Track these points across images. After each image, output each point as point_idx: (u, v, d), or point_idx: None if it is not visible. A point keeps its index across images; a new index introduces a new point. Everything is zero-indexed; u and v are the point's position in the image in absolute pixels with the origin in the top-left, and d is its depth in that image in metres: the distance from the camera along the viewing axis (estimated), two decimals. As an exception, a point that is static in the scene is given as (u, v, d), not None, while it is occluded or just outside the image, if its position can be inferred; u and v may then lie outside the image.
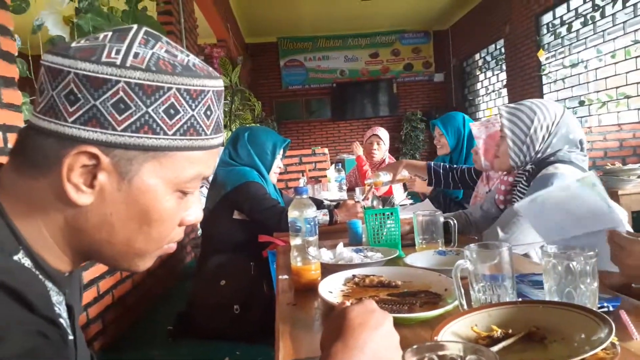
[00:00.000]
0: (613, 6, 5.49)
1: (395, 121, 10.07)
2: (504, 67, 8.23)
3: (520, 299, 0.90)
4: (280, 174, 2.71)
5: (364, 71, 10.27)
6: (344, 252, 1.46)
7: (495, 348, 0.71)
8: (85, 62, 0.55)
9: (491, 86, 8.93)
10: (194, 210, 0.66)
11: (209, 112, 0.61)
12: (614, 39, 5.62)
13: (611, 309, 0.87)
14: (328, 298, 1.06)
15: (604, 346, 0.63)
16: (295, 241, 1.25)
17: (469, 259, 0.92)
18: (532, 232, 1.47)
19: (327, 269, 1.29)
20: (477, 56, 9.40)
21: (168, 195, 0.60)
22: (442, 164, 2.42)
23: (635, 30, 5.26)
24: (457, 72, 10.16)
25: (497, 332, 0.76)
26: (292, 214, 1.25)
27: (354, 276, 1.22)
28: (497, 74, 8.65)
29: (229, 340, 2.12)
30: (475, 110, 9.63)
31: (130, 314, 2.71)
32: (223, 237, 2.31)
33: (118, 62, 0.55)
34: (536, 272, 1.14)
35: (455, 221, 1.50)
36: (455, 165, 2.42)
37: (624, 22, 5.42)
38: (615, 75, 5.62)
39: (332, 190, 3.13)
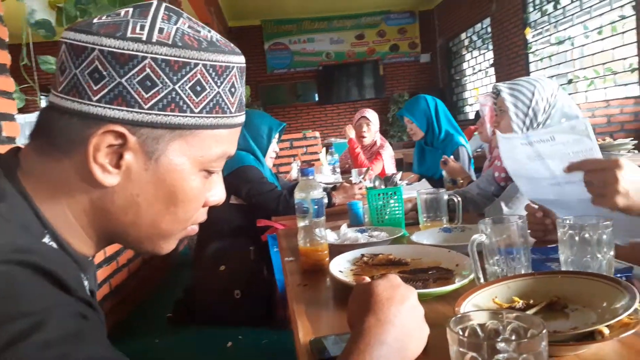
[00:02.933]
0: (599, -18, 5.50)
1: (382, 103, 10.04)
2: (490, 46, 8.22)
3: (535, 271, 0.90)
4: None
5: (350, 53, 10.20)
6: (348, 232, 1.46)
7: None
8: (110, 38, 0.53)
9: (478, 65, 8.93)
10: (218, 191, 0.65)
11: (233, 89, 0.60)
12: (600, 14, 5.64)
13: (624, 279, 0.87)
14: (339, 277, 1.06)
15: (630, 312, 0.63)
16: (303, 223, 1.24)
17: (484, 232, 0.92)
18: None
19: (334, 250, 1.29)
20: (463, 35, 9.38)
21: (194, 175, 0.59)
22: None
23: (622, 6, 5.28)
24: (443, 52, 10.14)
25: (519, 303, 0.76)
26: (299, 195, 1.24)
27: (362, 255, 1.22)
28: (484, 53, 8.65)
29: (230, 325, 2.12)
30: (462, 90, 9.65)
31: (128, 303, 2.69)
32: (221, 223, 2.29)
33: (144, 37, 0.53)
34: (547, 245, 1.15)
35: (459, 198, 1.50)
36: (439, 159, 2.47)
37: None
38: (602, 51, 5.65)
39: (325, 173, 3.12)
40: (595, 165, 0.88)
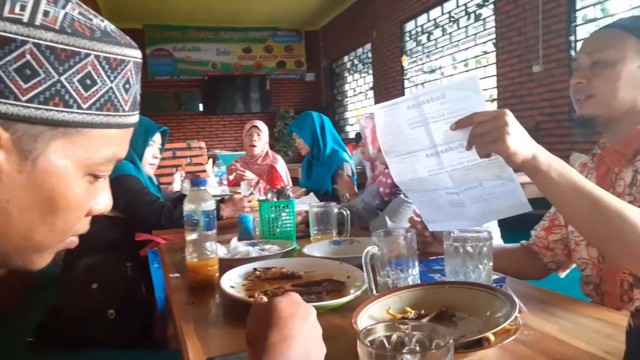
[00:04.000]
0: (467, 19, 6.12)
1: (268, 118, 10.08)
2: (370, 70, 8.71)
3: (426, 281, 0.95)
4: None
5: (237, 65, 10.13)
6: (239, 246, 1.41)
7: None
8: None
9: (359, 88, 9.40)
10: (104, 198, 0.58)
11: (127, 86, 0.54)
12: (466, 48, 6.26)
13: (499, 286, 0.95)
14: (232, 293, 1.02)
15: (511, 319, 0.68)
16: (192, 236, 1.17)
17: (376, 244, 0.94)
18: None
19: (224, 265, 1.24)
20: (346, 58, 9.83)
21: (78, 180, 0.52)
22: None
23: (484, 42, 5.92)
24: (327, 73, 10.52)
25: (411, 314, 0.78)
26: (189, 206, 1.17)
27: (255, 269, 1.19)
28: (364, 77, 9.15)
29: (103, 347, 1.94)
30: (344, 111, 10.07)
31: (-24, 329, 2.34)
32: (93, 236, 2.06)
33: (25, 19, 0.46)
34: (429, 257, 1.21)
35: (348, 212, 1.54)
36: (325, 174, 2.54)
37: (474, 34, 6.07)
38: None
39: (212, 185, 3.03)
40: (484, 116, 0.89)
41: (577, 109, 1.12)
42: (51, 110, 0.47)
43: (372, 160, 2.32)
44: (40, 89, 0.47)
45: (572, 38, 4.88)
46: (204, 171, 3.88)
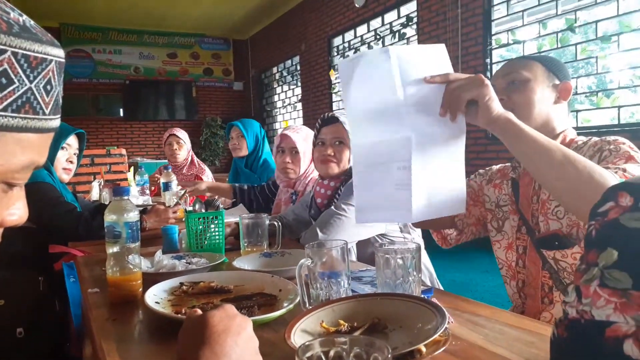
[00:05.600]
0: (392, 38, 6.35)
1: (194, 126, 9.84)
2: (299, 82, 8.78)
3: (357, 293, 0.96)
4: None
5: (161, 70, 9.81)
6: (163, 259, 1.35)
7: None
8: None
9: (287, 99, 9.44)
10: (19, 208, 0.53)
11: (49, 87, 0.50)
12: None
13: (427, 297, 0.98)
14: (157, 309, 0.97)
15: (441, 331, 0.70)
16: (113, 249, 1.11)
17: (309, 257, 0.94)
18: (348, 230, 1.59)
19: (148, 279, 1.18)
20: (274, 69, 9.84)
21: None
22: (245, 185, 2.44)
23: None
24: (255, 83, 10.47)
25: (344, 326, 0.79)
26: (110, 217, 1.11)
27: (181, 284, 1.14)
28: (293, 89, 9.20)
29: (8, 370, 1.76)
30: (273, 122, 10.06)
31: None
32: (1, 248, 1.92)
33: None
34: (359, 268, 1.23)
35: (280, 223, 1.52)
36: (254, 184, 2.49)
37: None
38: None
39: (134, 194, 2.88)
40: (460, 76, 0.91)
41: None
42: None
43: (296, 177, 2.23)
44: None
45: (487, 60, 5.22)
46: (125, 179, 3.69)
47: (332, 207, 1.64)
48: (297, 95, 9.00)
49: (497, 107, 0.93)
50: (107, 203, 2.47)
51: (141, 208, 2.22)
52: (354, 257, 1.66)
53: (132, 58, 9.52)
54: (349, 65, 0.95)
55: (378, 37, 6.66)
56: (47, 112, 0.50)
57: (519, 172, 1.27)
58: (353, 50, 7.21)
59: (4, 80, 0.45)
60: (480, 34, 5.25)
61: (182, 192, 2.16)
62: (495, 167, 1.38)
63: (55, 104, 0.52)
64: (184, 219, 2.16)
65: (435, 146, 0.94)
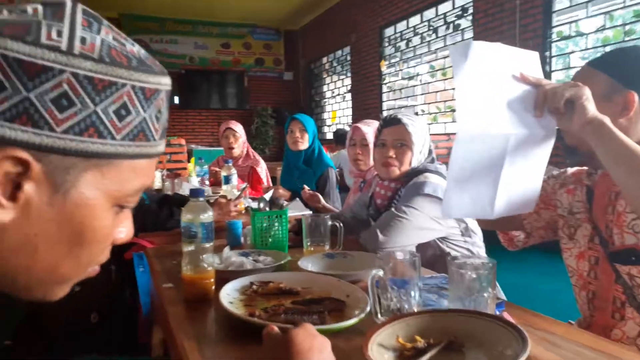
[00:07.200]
0: (446, 29, 6.21)
1: (245, 115, 10.01)
2: (349, 73, 8.74)
3: (430, 307, 0.96)
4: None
5: (215, 60, 10.00)
6: (231, 256, 1.40)
7: (423, 359, 0.75)
8: (19, 42, 0.42)
9: (337, 90, 9.42)
10: (127, 226, 0.57)
11: (159, 115, 0.53)
12: (444, 58, 6.36)
13: (497, 312, 0.98)
14: (232, 310, 1.01)
15: (524, 357, 0.70)
16: (189, 248, 1.16)
17: (381, 267, 0.95)
18: (409, 233, 1.59)
19: (218, 276, 1.22)
20: (324, 59, 9.83)
21: (107, 211, 0.51)
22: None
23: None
24: (305, 73, 10.50)
25: (421, 343, 0.79)
26: (187, 217, 1.16)
27: (251, 283, 1.18)
28: (343, 79, 9.16)
29: (83, 352, 1.88)
30: (321, 112, 10.08)
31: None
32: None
33: (63, 46, 0.44)
34: (424, 275, 1.23)
35: (341, 224, 1.54)
36: (308, 179, 2.51)
37: (453, 45, 6.16)
38: (444, 90, 6.38)
39: (194, 185, 2.98)
40: (551, 81, 0.98)
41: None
42: (85, 141, 0.46)
43: (362, 173, 2.30)
44: (76, 119, 0.45)
45: (547, 54, 5.02)
46: (185, 169, 3.80)
47: (393, 208, 1.64)
48: (346, 86, 8.97)
49: (593, 108, 0.93)
50: (170, 193, 2.56)
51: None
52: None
53: (187, 48, 9.75)
54: (459, 50, 0.95)
55: (431, 27, 6.53)
56: (156, 138, 0.53)
57: (594, 179, 1.22)
58: (405, 42, 7.10)
59: (123, 112, 0.48)
60: (540, 26, 5.05)
61: (243, 186, 2.21)
62: (569, 170, 1.33)
63: (163, 129, 0.55)
64: (243, 212, 2.23)
65: (527, 147, 0.98)
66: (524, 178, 1.01)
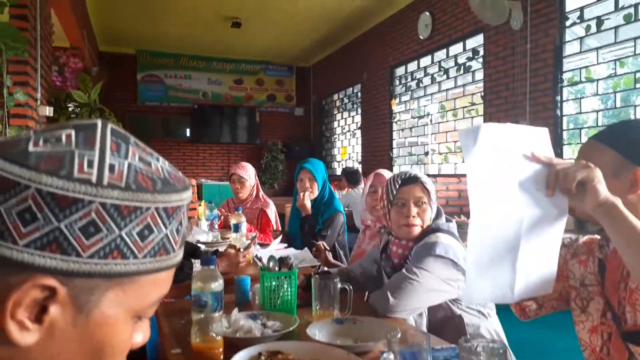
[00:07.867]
0: (457, 70, 6.29)
1: (256, 149, 10.11)
2: (359, 110, 8.83)
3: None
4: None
5: (227, 96, 10.17)
6: (240, 319, 1.39)
7: None
8: (53, 176, 0.44)
9: (347, 126, 9.50)
10: (145, 331, 0.58)
11: (180, 227, 0.55)
12: (455, 98, 6.41)
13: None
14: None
15: None
16: (199, 316, 1.16)
17: (392, 351, 0.95)
18: (419, 295, 1.58)
19: (226, 342, 1.22)
20: (335, 96, 9.96)
21: (126, 325, 0.52)
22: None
23: (473, 94, 6.08)
24: (316, 109, 10.63)
25: None
26: (197, 285, 1.17)
27: (260, 354, 1.17)
28: (353, 116, 9.25)
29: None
30: (331, 147, 10.14)
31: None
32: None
33: (93, 179, 0.46)
34: (434, 346, 1.21)
35: (351, 287, 1.53)
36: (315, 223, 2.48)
37: (463, 85, 6.23)
38: (455, 130, 6.40)
39: (203, 229, 2.98)
40: (562, 160, 0.96)
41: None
42: (109, 263, 0.47)
43: (379, 221, 2.30)
44: (101, 244, 0.47)
45: (557, 98, 5.05)
46: (194, 209, 3.82)
47: (404, 270, 1.63)
48: (356, 123, 9.05)
49: (604, 190, 0.93)
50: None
51: (213, 249, 2.31)
52: (424, 320, 1.64)
53: (200, 83, 9.93)
54: (469, 134, 0.96)
55: (442, 69, 6.62)
56: (176, 249, 0.54)
57: (606, 252, 1.22)
58: (416, 82, 7.19)
59: (146, 232, 0.50)
60: (550, 71, 5.09)
61: (252, 235, 2.22)
62: (581, 240, 1.32)
63: (182, 239, 0.56)
64: (252, 262, 2.22)
65: (541, 228, 0.98)
66: (540, 259, 1.01)
